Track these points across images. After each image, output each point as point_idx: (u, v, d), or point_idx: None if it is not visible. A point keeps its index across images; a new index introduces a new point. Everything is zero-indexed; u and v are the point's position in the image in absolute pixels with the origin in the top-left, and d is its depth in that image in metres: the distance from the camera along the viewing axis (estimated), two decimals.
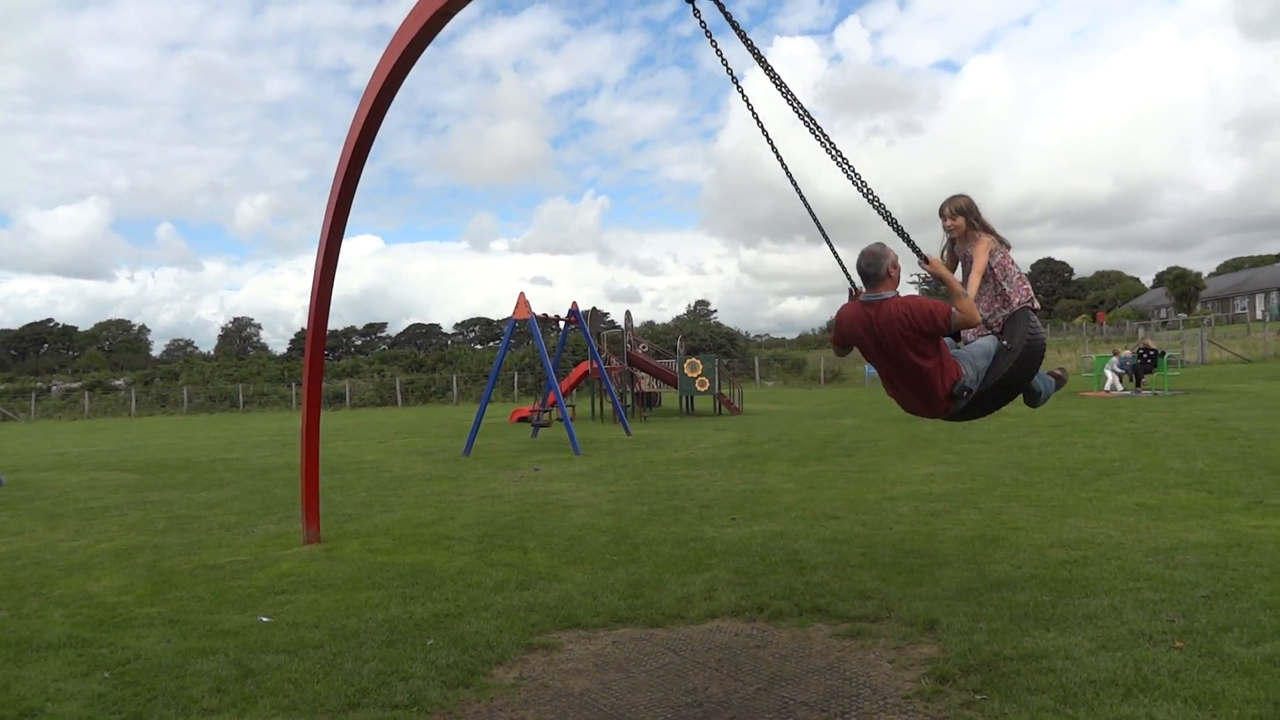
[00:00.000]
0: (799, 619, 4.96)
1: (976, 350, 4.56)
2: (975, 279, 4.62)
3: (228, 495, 11.12)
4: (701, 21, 4.46)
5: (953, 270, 4.76)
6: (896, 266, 4.49)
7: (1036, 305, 4.62)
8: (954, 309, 4.25)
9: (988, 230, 4.72)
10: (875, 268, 4.45)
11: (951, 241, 4.86)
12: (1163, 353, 22.94)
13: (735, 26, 4.21)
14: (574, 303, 18.82)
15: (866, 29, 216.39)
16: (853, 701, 3.83)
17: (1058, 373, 5.13)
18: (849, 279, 4.67)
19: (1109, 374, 22.00)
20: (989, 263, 4.63)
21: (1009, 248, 4.74)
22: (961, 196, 4.79)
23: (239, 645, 4.82)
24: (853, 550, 6.42)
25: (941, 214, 4.81)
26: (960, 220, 4.75)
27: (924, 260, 4.43)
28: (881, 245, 4.52)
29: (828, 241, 4.96)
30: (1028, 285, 4.63)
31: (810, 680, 4.10)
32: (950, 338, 4.56)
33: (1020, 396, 4.68)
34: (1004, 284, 4.65)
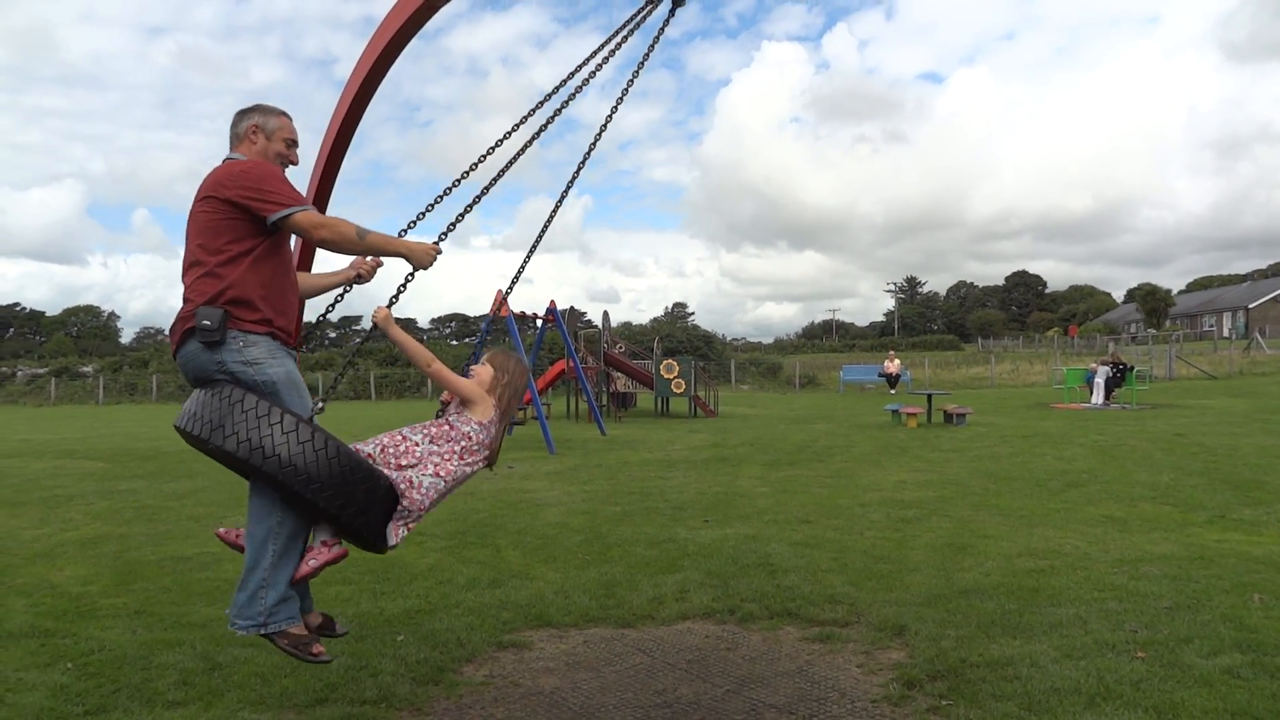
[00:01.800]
0: (769, 622, 4.99)
1: (297, 376, 3.26)
2: (421, 355, 3.42)
3: (197, 486, 10.98)
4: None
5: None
6: (260, 130, 3.33)
7: (407, 499, 3.16)
8: (299, 210, 3.11)
9: (501, 402, 3.44)
10: (235, 125, 3.37)
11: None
12: (1131, 367, 23.27)
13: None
14: (552, 301, 18.82)
15: (854, 37, 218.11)
16: (821, 705, 3.86)
17: (335, 626, 3.56)
18: None
19: (1099, 383, 22.27)
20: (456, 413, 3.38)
21: (474, 450, 3.33)
22: (512, 356, 3.65)
23: (206, 638, 4.77)
24: (824, 555, 6.46)
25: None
26: (485, 369, 3.47)
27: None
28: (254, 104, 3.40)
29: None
30: (428, 490, 3.19)
31: (779, 683, 4.12)
32: None
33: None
34: (424, 438, 3.29)
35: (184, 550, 7.11)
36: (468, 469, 3.33)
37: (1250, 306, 69.10)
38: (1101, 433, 14.91)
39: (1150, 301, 72.64)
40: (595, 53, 4.22)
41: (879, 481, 10.18)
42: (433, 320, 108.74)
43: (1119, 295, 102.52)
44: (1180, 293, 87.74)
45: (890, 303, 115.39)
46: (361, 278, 3.76)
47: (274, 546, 3.06)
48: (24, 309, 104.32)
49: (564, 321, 19.31)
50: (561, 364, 24.18)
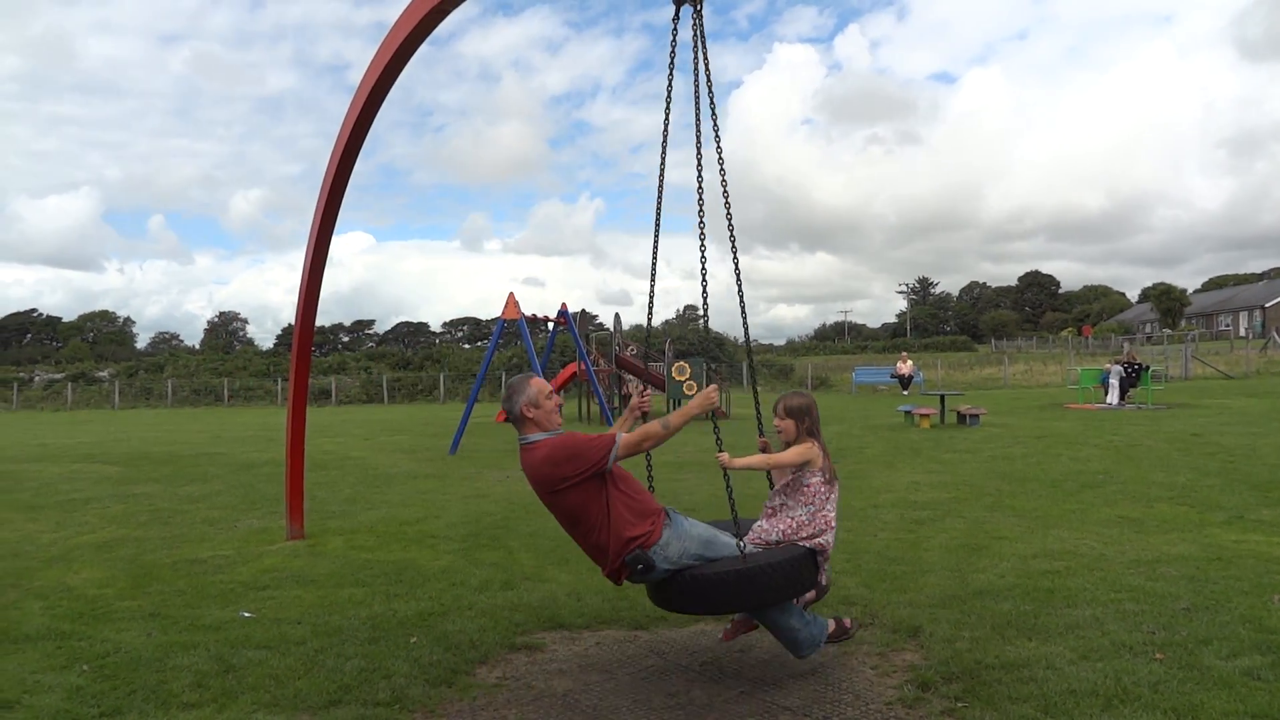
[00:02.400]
0: None
1: (703, 532, 3.96)
2: (777, 459, 4.14)
3: (211, 490, 11.04)
4: (699, 28, 4.39)
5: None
6: (536, 405, 3.95)
7: (823, 550, 4.01)
8: (620, 433, 3.83)
9: (819, 440, 4.14)
10: (509, 405, 3.99)
11: (787, 444, 4.20)
12: (1147, 367, 23.10)
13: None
14: (563, 304, 18.84)
15: (865, 38, 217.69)
16: (835, 707, 3.84)
17: (845, 622, 4.33)
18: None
19: (1114, 383, 22.10)
20: (802, 474, 4.09)
21: (833, 481, 4.13)
22: (802, 395, 4.24)
23: (220, 640, 4.78)
24: (838, 557, 6.42)
25: (775, 411, 4.25)
26: (790, 424, 4.14)
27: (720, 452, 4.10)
28: (522, 378, 4.07)
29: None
30: (828, 530, 4.04)
31: (793, 685, 4.10)
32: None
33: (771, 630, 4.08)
34: (801, 509, 4.05)
35: (199, 553, 7.15)
36: (834, 499, 4.13)
37: (1267, 305, 68.49)
38: (1117, 433, 14.80)
39: (1165, 301, 72.15)
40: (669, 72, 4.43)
41: (892, 482, 10.13)
42: (445, 323, 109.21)
43: (1133, 295, 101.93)
44: (1195, 292, 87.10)
45: (903, 304, 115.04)
46: (645, 415, 4.72)
47: (789, 613, 4.02)
48: (41, 315, 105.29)
49: (575, 324, 19.32)
50: (573, 366, 24.20)
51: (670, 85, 4.46)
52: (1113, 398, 22.01)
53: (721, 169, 4.38)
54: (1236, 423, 16.00)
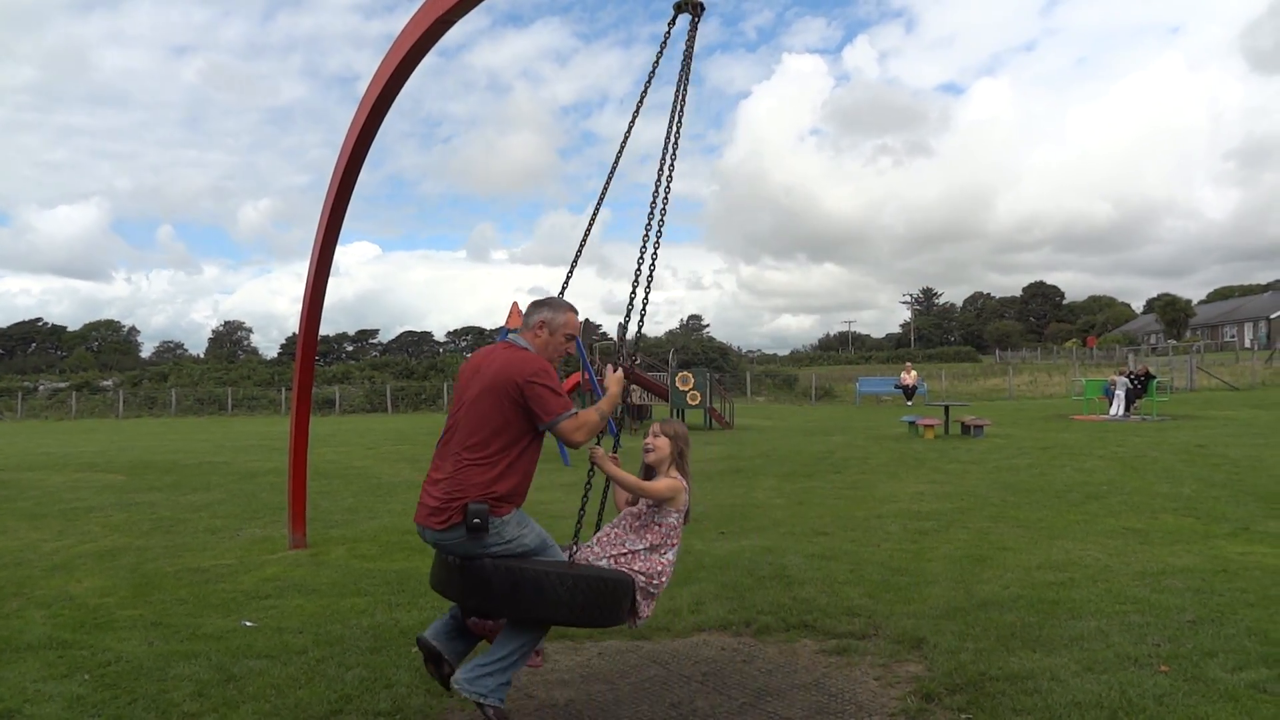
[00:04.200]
0: (786, 634, 4.95)
1: (540, 532, 3.66)
2: (641, 484, 3.77)
3: (214, 498, 11.04)
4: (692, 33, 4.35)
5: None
6: (553, 332, 3.76)
7: (653, 592, 3.71)
8: (573, 410, 3.55)
9: (684, 472, 3.90)
10: (532, 311, 3.83)
11: (646, 467, 3.94)
12: (1153, 377, 23.04)
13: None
14: None
15: (874, 49, 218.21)
16: (838, 718, 3.82)
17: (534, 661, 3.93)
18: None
19: (1120, 395, 22.05)
20: (660, 503, 3.77)
21: (683, 518, 3.84)
22: (679, 424, 4.03)
23: (221, 649, 4.77)
24: (841, 567, 6.41)
25: (651, 430, 4.01)
26: (664, 441, 3.90)
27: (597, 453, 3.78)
28: (565, 302, 3.88)
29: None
30: (666, 572, 3.74)
31: (795, 696, 4.08)
32: None
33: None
34: (649, 538, 3.74)
35: (200, 562, 7.14)
36: (678, 545, 3.84)
37: (1272, 317, 68.33)
38: (1122, 444, 14.76)
39: (1170, 312, 72.03)
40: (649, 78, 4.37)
41: (896, 493, 10.10)
42: (449, 333, 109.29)
43: (1139, 306, 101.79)
44: (1201, 303, 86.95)
45: (907, 314, 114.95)
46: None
47: (525, 650, 3.60)
48: (46, 324, 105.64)
49: (579, 335, 19.34)
50: (576, 377, 24.19)
51: (645, 92, 4.41)
52: (1117, 409, 21.95)
53: (668, 179, 4.26)
54: (1242, 434, 15.95)
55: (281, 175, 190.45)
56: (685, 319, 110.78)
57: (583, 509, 3.89)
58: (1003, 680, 4.07)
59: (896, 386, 32.42)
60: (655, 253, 4.19)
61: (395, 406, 44.14)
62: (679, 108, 4.28)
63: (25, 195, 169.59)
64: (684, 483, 3.86)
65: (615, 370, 3.94)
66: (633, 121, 4.49)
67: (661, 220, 4.24)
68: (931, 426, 17.56)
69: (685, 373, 24.11)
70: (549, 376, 3.60)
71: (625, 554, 3.73)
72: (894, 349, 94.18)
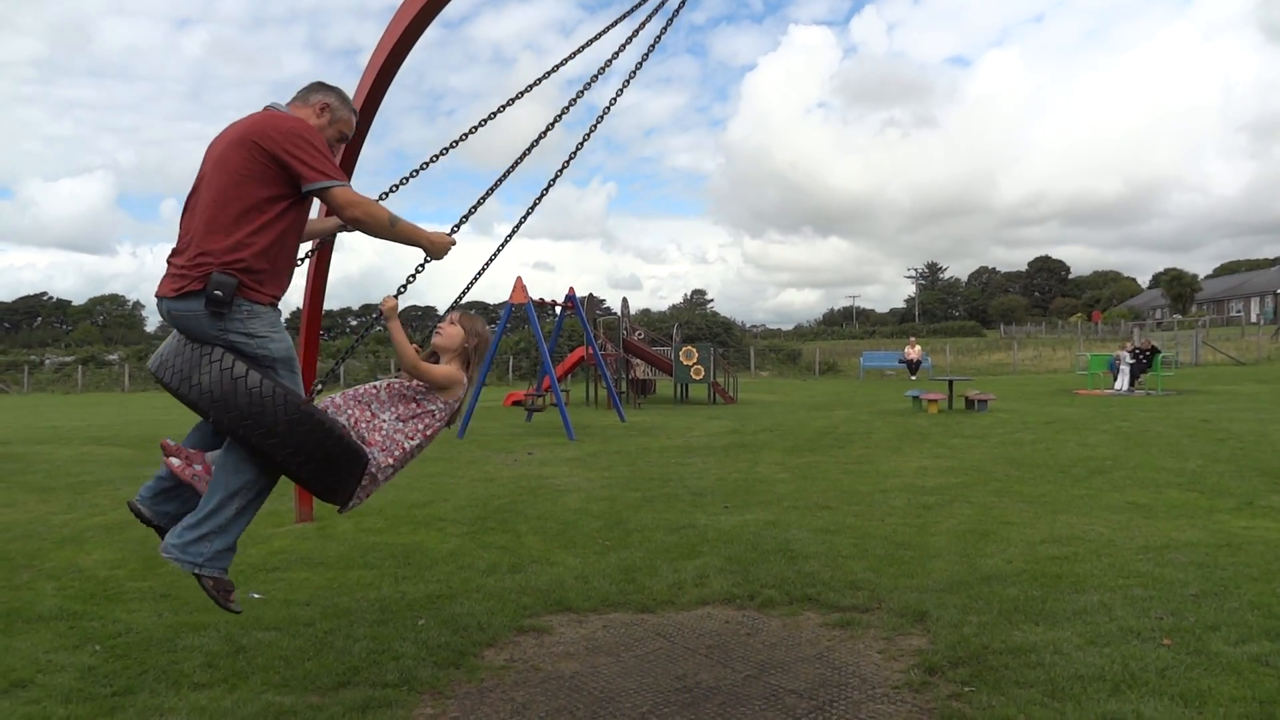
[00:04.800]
0: (789, 608, 4.98)
1: (290, 348, 3.24)
2: (410, 354, 3.52)
3: None
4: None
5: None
6: (329, 110, 3.36)
7: (375, 474, 3.37)
8: (346, 184, 3.13)
9: (469, 370, 3.69)
10: (307, 93, 3.39)
11: (431, 353, 3.72)
12: (1158, 352, 22.98)
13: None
14: (570, 288, 18.81)
15: (882, 20, 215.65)
16: (841, 690, 3.85)
17: (230, 596, 3.37)
18: None
19: (1125, 370, 22.00)
20: (432, 383, 3.54)
21: (446, 421, 3.61)
22: (480, 319, 3.80)
23: (230, 621, 4.81)
24: (844, 541, 6.44)
25: (444, 316, 3.84)
26: (456, 330, 3.67)
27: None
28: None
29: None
30: (396, 455, 3.43)
31: (799, 669, 4.11)
32: None
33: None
34: (392, 417, 3.45)
35: None
36: (429, 440, 3.50)
37: (1279, 291, 68.01)
38: (1126, 419, 14.75)
39: (1176, 286, 71.75)
40: (623, 46, 4.24)
41: (900, 468, 10.12)
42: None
43: (1145, 281, 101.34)
44: (1207, 278, 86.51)
45: (911, 289, 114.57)
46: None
47: (239, 502, 3.13)
48: (51, 298, 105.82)
49: (583, 308, 19.30)
50: (581, 351, 24.21)
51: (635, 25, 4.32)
52: (1122, 383, 21.92)
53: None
54: (1247, 409, 15.93)
55: None
56: (689, 293, 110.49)
57: (339, 363, 3.60)
58: (1005, 653, 4.10)
59: (901, 361, 32.40)
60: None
61: None
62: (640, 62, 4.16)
63: (28, 169, 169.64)
64: (463, 377, 3.58)
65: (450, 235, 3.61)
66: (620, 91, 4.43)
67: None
68: (935, 401, 17.56)
69: (689, 347, 24.10)
70: (318, 138, 3.13)
71: (368, 419, 3.38)
72: (898, 323, 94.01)
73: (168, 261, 3.17)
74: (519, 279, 16.35)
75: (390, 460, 3.39)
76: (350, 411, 3.42)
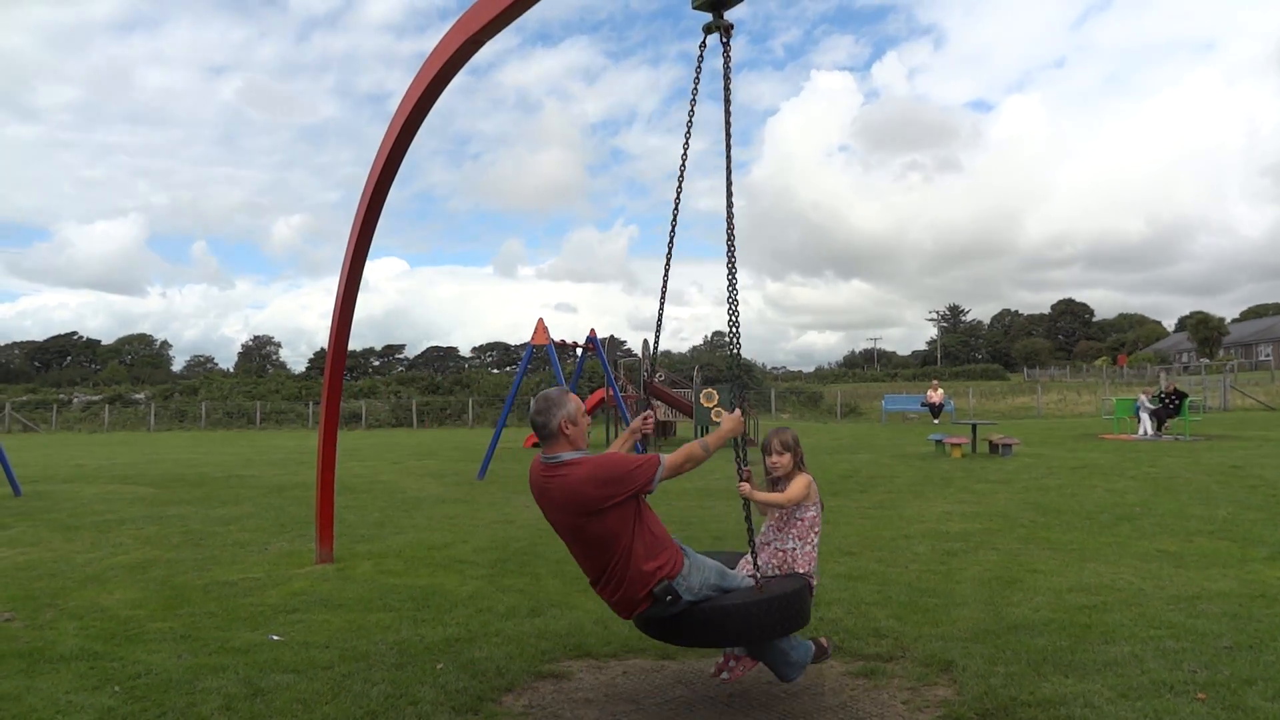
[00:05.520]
0: None
1: (711, 562, 3.90)
2: (778, 497, 4.18)
3: (242, 512, 11.15)
4: (726, 55, 4.40)
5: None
6: (574, 422, 3.76)
7: (812, 584, 4.09)
8: (664, 457, 3.74)
9: (804, 468, 4.30)
10: (545, 419, 3.74)
11: (774, 482, 4.32)
12: (1186, 396, 22.66)
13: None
14: (592, 330, 18.90)
15: (903, 66, 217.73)
16: None
17: (823, 642, 4.39)
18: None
19: (1144, 416, 21.73)
20: (797, 507, 4.19)
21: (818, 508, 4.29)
22: (789, 431, 4.35)
23: (249, 663, 4.81)
24: (867, 588, 6.35)
25: (767, 450, 4.31)
26: (787, 458, 4.25)
27: (741, 478, 4.04)
28: (560, 392, 3.84)
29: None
30: (814, 561, 4.18)
31: (822, 718, 4.04)
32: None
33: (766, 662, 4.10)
34: (798, 542, 4.17)
35: (229, 575, 7.21)
36: (819, 533, 4.28)
37: None
38: (1154, 464, 14.52)
39: (1202, 330, 70.96)
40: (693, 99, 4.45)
41: (923, 513, 10.00)
42: (474, 348, 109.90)
43: (1170, 324, 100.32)
44: (1233, 321, 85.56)
45: (933, 331, 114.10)
46: (646, 438, 4.64)
47: (785, 645, 4.05)
48: (81, 338, 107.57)
49: (604, 350, 19.37)
50: (601, 392, 24.23)
51: (692, 112, 4.46)
52: (1144, 428, 21.61)
53: (729, 195, 4.29)
54: (1278, 455, 15.63)
55: (313, 192, 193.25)
56: (710, 335, 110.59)
57: (749, 525, 4.06)
58: (1034, 706, 4.01)
59: (923, 404, 32.13)
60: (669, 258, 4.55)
61: (421, 421, 44.39)
62: (728, 128, 4.32)
63: (65, 211, 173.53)
64: (809, 477, 4.23)
65: (735, 410, 4.13)
66: (686, 143, 4.57)
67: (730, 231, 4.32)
68: (959, 445, 17.38)
69: (709, 389, 24.07)
70: (620, 462, 3.70)
71: (788, 556, 4.16)
72: (920, 366, 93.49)
73: (602, 598, 3.98)
74: (540, 320, 16.45)
75: (814, 569, 4.19)
76: (770, 562, 4.16)
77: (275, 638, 5.34)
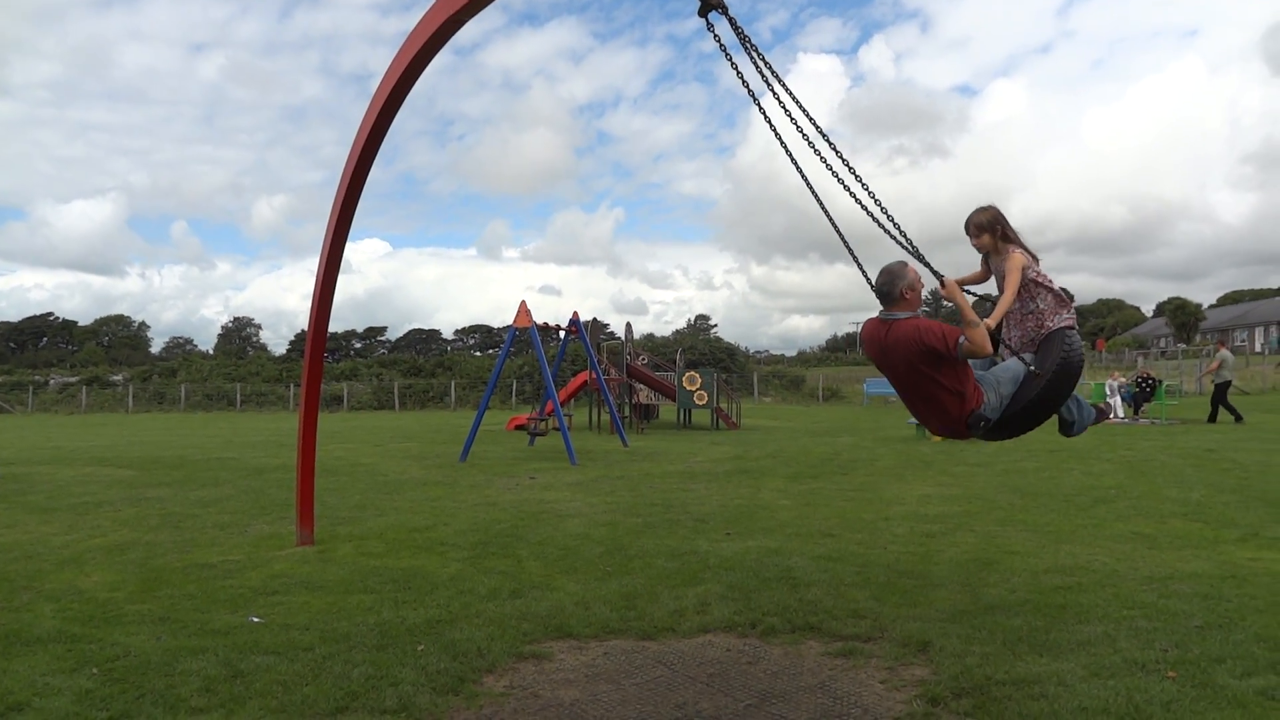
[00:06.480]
0: (791, 636, 4.95)
1: (1003, 374, 4.45)
2: (1007, 299, 4.48)
3: (222, 494, 11.09)
4: (717, 37, 4.37)
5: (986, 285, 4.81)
6: (913, 288, 4.42)
7: (1073, 325, 4.53)
8: (961, 337, 4.13)
9: (1018, 244, 4.59)
10: (890, 286, 4.42)
11: (985, 257, 4.74)
12: (1160, 381, 22.94)
13: (751, 46, 4.20)
14: (575, 313, 18.86)
15: (890, 50, 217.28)
16: None
17: (1101, 407, 5.25)
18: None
19: (1115, 401, 21.97)
20: (1021, 280, 4.50)
21: (1038, 260, 4.63)
22: (986, 209, 4.65)
23: (229, 645, 4.80)
24: (847, 569, 6.41)
25: (967, 231, 4.71)
26: (985, 238, 4.62)
27: (941, 283, 4.40)
28: (901, 264, 4.45)
29: (855, 259, 4.74)
30: (1068, 304, 4.55)
31: (801, 698, 4.08)
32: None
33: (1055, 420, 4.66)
34: (1038, 302, 4.55)
35: (208, 558, 7.17)
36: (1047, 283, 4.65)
37: None
38: (1130, 448, 14.70)
39: (1180, 315, 71.67)
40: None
41: (903, 495, 10.08)
42: (457, 331, 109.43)
43: (1149, 309, 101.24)
44: (1211, 307, 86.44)
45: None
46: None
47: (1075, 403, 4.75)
48: (57, 318, 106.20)
49: (587, 333, 19.34)
50: (584, 375, 24.22)
51: (746, 80, 4.51)
52: (1117, 410, 21.86)
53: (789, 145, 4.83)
54: (1252, 439, 15.87)
55: (296, 172, 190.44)
56: (694, 319, 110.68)
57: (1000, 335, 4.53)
58: (1009, 685, 4.07)
59: None
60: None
61: (402, 404, 44.25)
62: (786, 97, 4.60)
63: (42, 190, 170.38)
64: (1018, 251, 4.52)
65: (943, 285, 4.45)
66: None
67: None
68: None
69: (692, 373, 24.11)
70: (937, 330, 4.23)
71: (1039, 317, 4.53)
72: None
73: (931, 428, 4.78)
74: (523, 303, 16.40)
75: (1068, 312, 4.55)
76: (1029, 328, 4.58)
77: (255, 619, 5.33)
